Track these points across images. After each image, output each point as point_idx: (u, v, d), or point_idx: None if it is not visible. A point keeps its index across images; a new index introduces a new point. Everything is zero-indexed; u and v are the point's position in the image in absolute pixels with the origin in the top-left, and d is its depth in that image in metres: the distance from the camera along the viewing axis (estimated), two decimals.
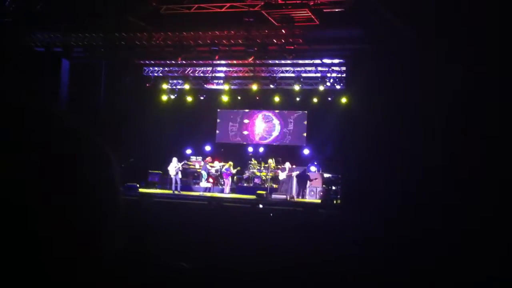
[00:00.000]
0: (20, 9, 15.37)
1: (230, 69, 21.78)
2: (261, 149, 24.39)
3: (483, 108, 12.26)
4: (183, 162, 21.36)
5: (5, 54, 14.61)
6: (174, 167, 20.61)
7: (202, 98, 23.42)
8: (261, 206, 13.73)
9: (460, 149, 12.33)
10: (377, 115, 14.60)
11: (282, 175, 20.78)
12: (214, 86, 23.22)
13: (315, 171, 21.05)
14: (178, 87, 23.68)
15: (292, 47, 16.69)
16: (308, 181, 20.49)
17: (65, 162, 0.74)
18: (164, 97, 23.64)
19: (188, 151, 24.09)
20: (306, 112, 23.74)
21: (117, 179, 0.81)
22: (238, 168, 21.92)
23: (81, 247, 0.74)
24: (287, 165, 20.88)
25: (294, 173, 20.59)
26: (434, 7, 12.03)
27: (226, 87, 22.12)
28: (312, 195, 20.29)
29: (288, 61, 19.55)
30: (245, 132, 25.23)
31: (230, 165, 21.64)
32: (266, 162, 22.31)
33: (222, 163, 22.26)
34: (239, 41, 17.03)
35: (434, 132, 13.10)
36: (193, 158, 23.55)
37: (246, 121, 25.22)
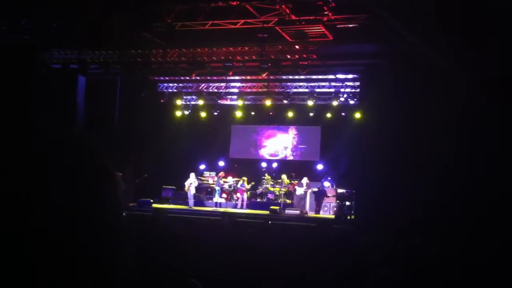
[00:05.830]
0: (37, 27, 15.59)
1: (244, 84, 21.85)
2: (274, 165, 24.36)
3: (497, 122, 12.16)
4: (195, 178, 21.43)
5: (23, 71, 14.81)
6: (189, 183, 20.75)
7: (216, 113, 23.52)
8: (270, 222, 13.68)
9: (477, 162, 12.22)
10: (390, 130, 14.54)
11: (299, 190, 20.59)
12: (228, 102, 23.30)
13: (328, 187, 20.95)
14: (192, 103, 23.81)
15: (306, 63, 16.73)
16: (325, 197, 20.39)
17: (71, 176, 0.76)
18: (178, 113, 23.75)
19: (202, 167, 24.12)
20: (319, 127, 23.69)
21: (120, 198, 0.83)
22: (253, 183, 21.88)
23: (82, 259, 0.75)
24: (305, 180, 20.64)
25: (311, 189, 20.47)
26: (448, 21, 12.01)
27: (239, 102, 22.18)
28: (326, 211, 20.17)
29: (302, 77, 19.56)
30: (259, 148, 25.23)
31: (244, 180, 21.63)
32: (279, 178, 22.27)
33: (235, 179, 22.25)
34: (253, 57, 17.11)
35: (449, 146, 13.00)
36: (206, 173, 23.58)
37: (259, 136, 25.24)
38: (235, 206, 21.49)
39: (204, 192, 22.74)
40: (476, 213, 11.27)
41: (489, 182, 11.85)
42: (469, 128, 12.65)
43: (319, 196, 20.38)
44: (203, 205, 21.61)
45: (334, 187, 20.89)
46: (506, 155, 11.89)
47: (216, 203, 21.15)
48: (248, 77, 20.40)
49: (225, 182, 22.18)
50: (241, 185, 21.64)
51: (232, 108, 23.20)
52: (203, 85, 22.49)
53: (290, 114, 22.57)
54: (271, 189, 22.38)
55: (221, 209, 20.23)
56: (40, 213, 0.72)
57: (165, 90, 23.10)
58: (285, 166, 23.83)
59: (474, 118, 12.49)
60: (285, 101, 21.73)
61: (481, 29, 11.51)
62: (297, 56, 16.69)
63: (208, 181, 23.00)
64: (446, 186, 12.62)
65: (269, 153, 25.10)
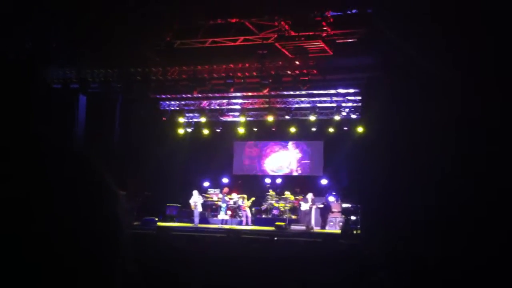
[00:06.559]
0: (36, 46, 15.66)
1: (246, 101, 21.88)
2: (278, 180, 24.29)
3: (500, 131, 12.11)
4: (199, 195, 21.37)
5: (23, 91, 14.85)
6: (194, 201, 20.69)
7: (218, 130, 23.52)
8: (276, 238, 13.62)
9: (482, 174, 12.14)
10: (393, 143, 14.49)
11: (304, 206, 20.43)
12: (230, 118, 23.34)
13: (333, 201, 20.86)
14: (194, 120, 23.84)
15: (307, 78, 16.75)
16: (330, 212, 20.31)
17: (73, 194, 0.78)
18: (181, 131, 23.76)
19: (206, 184, 24.06)
20: (322, 142, 23.66)
21: (121, 216, 0.84)
22: (253, 198, 21.74)
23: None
24: (310, 196, 20.45)
25: (317, 205, 20.38)
26: (447, 31, 12.03)
27: (242, 119, 22.21)
28: (332, 226, 20.09)
29: (303, 92, 19.59)
30: (262, 163, 25.20)
31: (244, 198, 21.51)
32: (283, 193, 22.19)
33: (239, 195, 22.18)
34: (254, 73, 17.15)
35: (452, 158, 12.94)
36: (211, 190, 23.51)
37: (262, 152, 25.21)
38: (240, 223, 21.39)
39: (209, 209, 22.65)
40: (475, 215, 11.18)
41: (488, 184, 11.76)
42: (468, 131, 12.58)
43: (325, 211, 20.30)
44: (208, 223, 21.52)
45: (339, 201, 20.80)
46: (505, 157, 11.82)
47: (222, 220, 21.04)
48: (250, 93, 20.44)
49: (230, 198, 22.10)
50: (242, 202, 21.57)
51: (235, 124, 23.21)
52: (204, 102, 22.54)
53: (293, 129, 22.56)
54: (276, 205, 22.29)
55: (227, 226, 20.12)
56: (42, 221, 0.73)
57: (167, 108, 23.15)
58: (289, 181, 23.77)
59: (473, 120, 12.43)
60: (287, 117, 21.72)
61: (478, 30, 11.51)
62: (297, 72, 16.72)
63: (212, 198, 22.93)
64: (453, 197, 12.53)
65: (272, 169, 25.05)
